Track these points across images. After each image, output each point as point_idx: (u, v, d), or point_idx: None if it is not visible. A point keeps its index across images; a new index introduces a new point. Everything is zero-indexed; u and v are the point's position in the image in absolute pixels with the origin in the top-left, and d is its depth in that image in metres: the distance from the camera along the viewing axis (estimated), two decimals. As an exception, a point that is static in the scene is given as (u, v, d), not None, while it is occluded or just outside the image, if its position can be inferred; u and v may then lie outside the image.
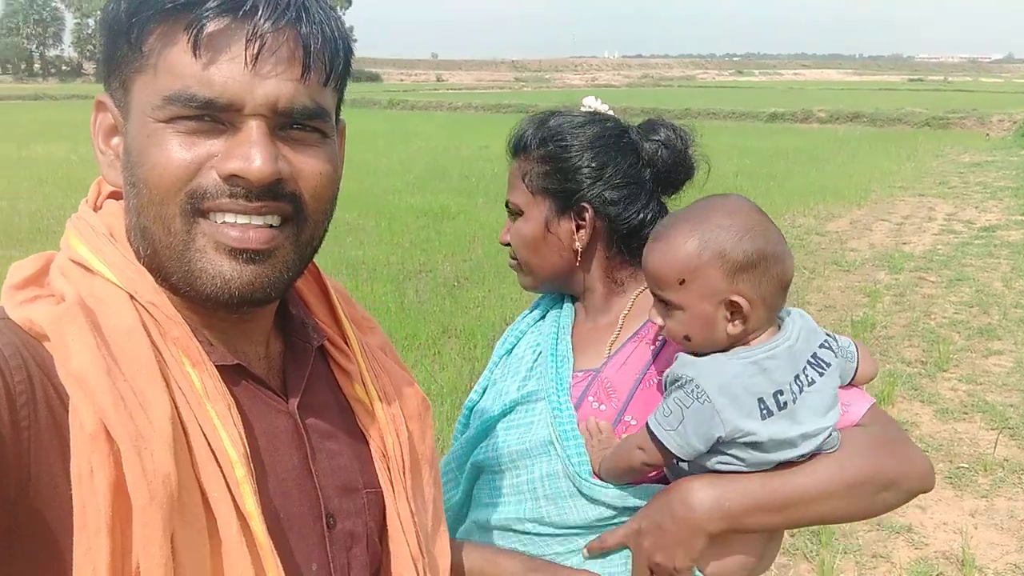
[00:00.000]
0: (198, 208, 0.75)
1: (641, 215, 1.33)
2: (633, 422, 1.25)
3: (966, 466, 4.12)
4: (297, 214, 0.80)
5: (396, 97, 42.25)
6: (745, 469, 1.14)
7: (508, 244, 1.39)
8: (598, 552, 1.24)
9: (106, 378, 0.68)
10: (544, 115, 1.38)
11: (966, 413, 4.76)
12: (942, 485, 3.95)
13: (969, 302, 6.98)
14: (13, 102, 43.52)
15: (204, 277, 0.77)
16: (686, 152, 1.36)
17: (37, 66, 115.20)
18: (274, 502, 0.81)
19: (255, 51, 0.73)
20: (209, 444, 0.74)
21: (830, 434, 1.16)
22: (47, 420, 0.69)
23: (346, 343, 0.96)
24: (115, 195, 0.86)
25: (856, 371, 1.23)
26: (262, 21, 0.73)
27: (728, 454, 1.13)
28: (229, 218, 0.76)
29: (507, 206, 1.38)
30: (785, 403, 1.12)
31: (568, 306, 1.41)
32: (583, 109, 1.41)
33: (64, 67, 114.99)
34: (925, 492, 1.21)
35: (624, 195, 1.32)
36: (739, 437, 1.10)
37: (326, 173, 0.81)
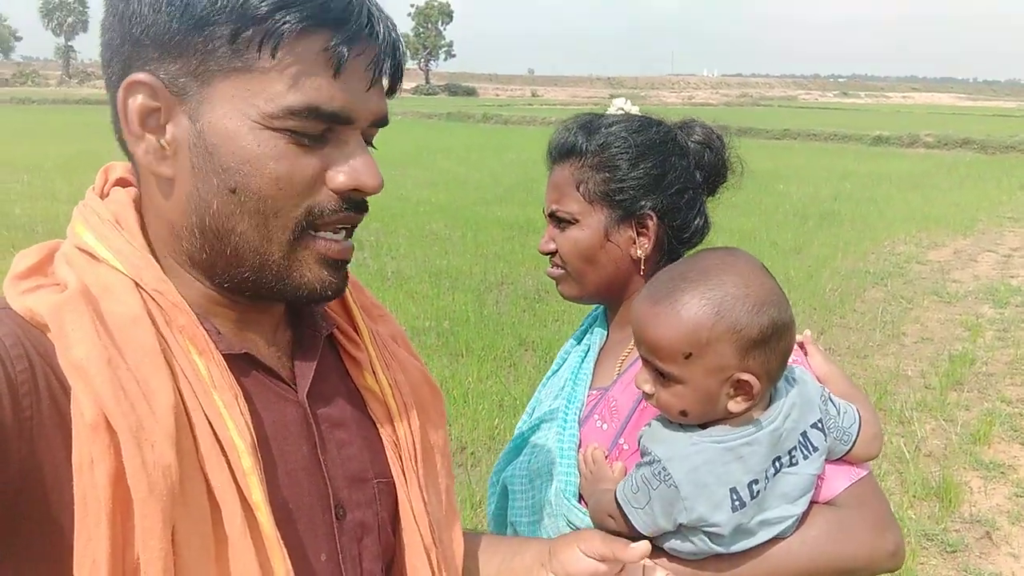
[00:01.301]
0: (313, 224, 0.78)
1: (697, 220, 1.30)
2: (626, 446, 1.20)
3: (1068, 516, 3.84)
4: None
5: (490, 111, 42.72)
6: (694, 556, 1.06)
7: (551, 254, 1.33)
8: None
9: (107, 368, 0.67)
10: (590, 118, 1.34)
11: (1071, 459, 4.45)
12: (1040, 534, 3.70)
13: (1081, 341, 6.54)
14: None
15: (303, 283, 0.80)
16: (725, 151, 1.32)
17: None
18: (283, 493, 0.80)
19: (374, 73, 0.77)
20: (215, 434, 0.73)
21: (793, 521, 1.07)
22: (50, 410, 0.68)
23: (356, 332, 0.95)
24: (121, 182, 0.85)
25: (849, 451, 1.12)
26: (384, 45, 0.77)
27: (683, 538, 1.05)
28: (331, 233, 0.80)
29: (552, 215, 1.32)
30: (758, 492, 1.02)
31: (601, 327, 1.39)
32: (611, 111, 1.37)
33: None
34: (891, 572, 1.11)
35: (684, 201, 1.29)
36: (702, 526, 1.02)
37: None
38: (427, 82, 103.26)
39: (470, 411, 4.71)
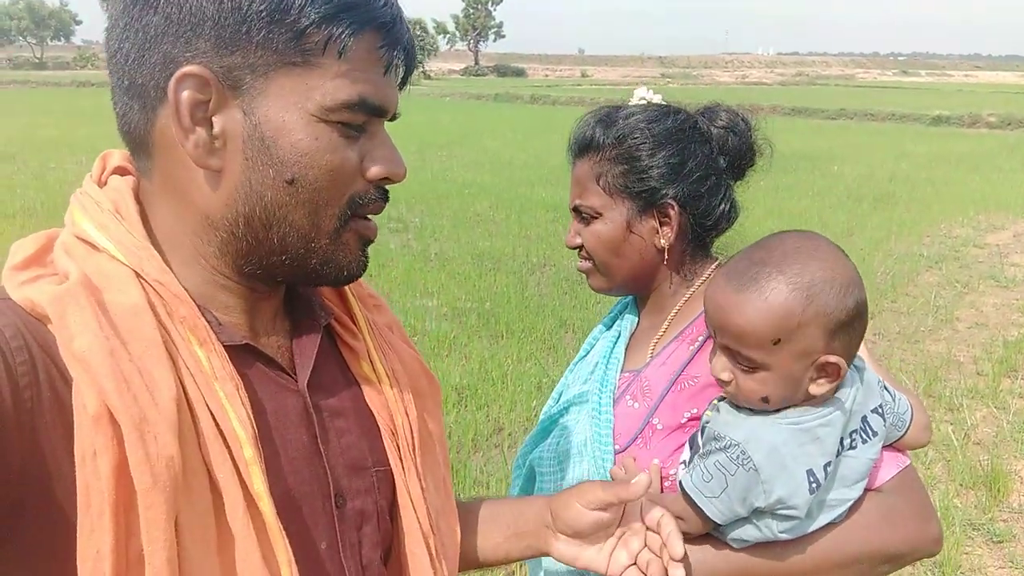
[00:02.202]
0: (356, 212, 0.82)
1: (722, 206, 1.29)
2: (659, 426, 1.20)
3: (1124, 509, 3.70)
4: None
5: (539, 92, 42.52)
6: (753, 543, 1.05)
7: (577, 248, 1.33)
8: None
9: (109, 359, 0.67)
10: (608, 111, 1.32)
11: None
12: (1093, 527, 3.58)
13: None
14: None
15: (344, 263, 0.84)
16: (751, 135, 1.30)
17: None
18: (284, 482, 0.80)
19: (402, 67, 0.82)
20: (217, 424, 0.73)
21: (849, 505, 1.06)
22: (50, 401, 0.68)
23: (353, 321, 0.96)
24: (120, 170, 0.84)
25: (902, 437, 1.13)
26: (407, 42, 0.82)
27: (751, 525, 1.03)
28: (370, 216, 0.85)
29: (576, 209, 1.32)
30: (829, 474, 1.01)
31: (632, 314, 1.38)
32: (634, 102, 1.35)
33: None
34: (931, 556, 1.14)
35: (706, 188, 1.27)
36: (778, 509, 1.00)
37: None
38: (476, 63, 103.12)
39: (508, 393, 4.72)
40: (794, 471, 0.99)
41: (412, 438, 0.94)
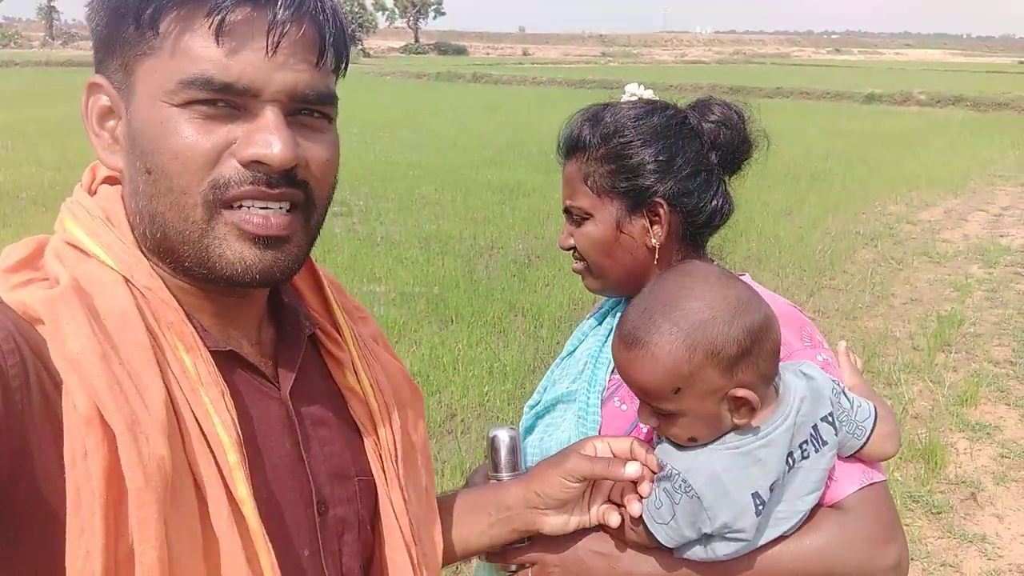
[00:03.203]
0: (221, 198, 0.76)
1: (714, 202, 1.26)
2: (645, 429, 1.19)
3: (1051, 476, 3.89)
4: (307, 200, 0.80)
5: (481, 71, 42.27)
6: (712, 559, 1.04)
7: (570, 249, 1.31)
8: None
9: (101, 362, 0.68)
10: (596, 109, 1.30)
11: (1056, 419, 4.49)
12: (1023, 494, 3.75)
13: (1069, 301, 6.58)
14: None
15: (223, 262, 0.77)
16: (745, 129, 1.27)
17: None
18: (267, 488, 0.80)
19: (276, 39, 0.74)
20: (202, 430, 0.74)
21: (800, 518, 1.04)
22: (40, 404, 0.68)
23: (338, 332, 0.96)
24: (110, 180, 0.85)
25: (863, 446, 1.08)
26: (282, 10, 0.74)
27: (704, 545, 1.04)
28: (249, 205, 0.77)
29: (567, 211, 1.30)
30: (775, 488, 1.01)
31: (623, 310, 1.37)
32: (626, 98, 1.33)
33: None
34: None
35: (696, 185, 1.25)
36: (726, 533, 1.01)
37: (332, 160, 0.82)
38: (416, 41, 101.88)
39: (460, 378, 4.72)
40: (737, 496, 0.99)
41: (395, 449, 0.94)
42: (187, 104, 0.74)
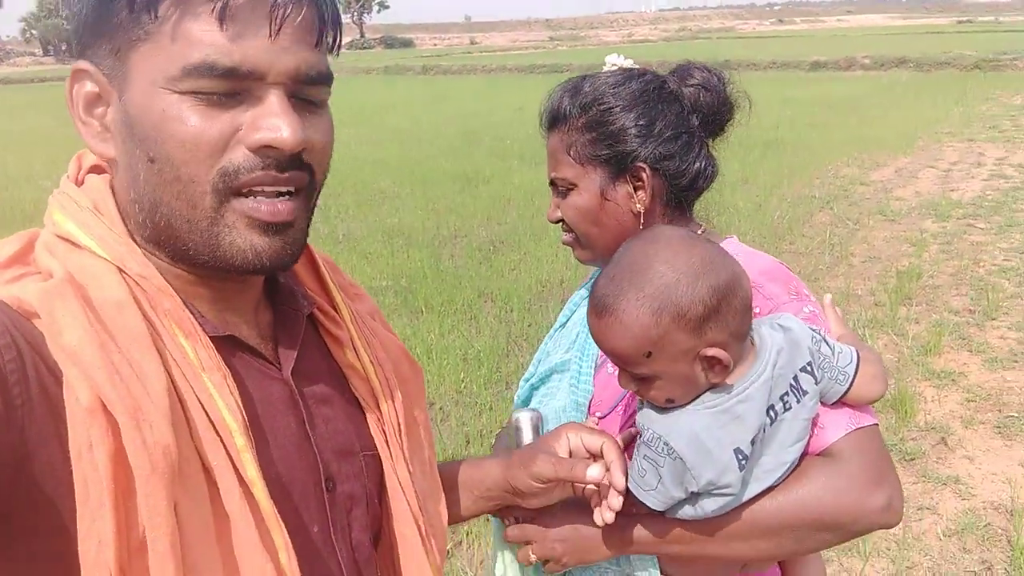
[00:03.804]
0: (231, 186, 0.75)
1: (697, 164, 1.27)
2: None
3: (1015, 415, 4.02)
4: (310, 183, 0.80)
5: (429, 62, 42.02)
6: (702, 515, 1.06)
7: (558, 221, 1.32)
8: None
9: (100, 352, 0.68)
10: (575, 81, 1.31)
11: (1016, 362, 4.63)
12: (991, 435, 3.87)
13: (1019, 248, 6.76)
14: (57, 83, 44.27)
15: (233, 250, 0.77)
16: (726, 91, 1.29)
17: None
18: (275, 469, 0.81)
19: (279, 21, 0.74)
20: (207, 414, 0.74)
21: (787, 469, 1.05)
22: (40, 398, 0.68)
23: (335, 310, 0.96)
24: (96, 169, 0.85)
25: (847, 391, 1.09)
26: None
27: (693, 504, 1.06)
28: (259, 192, 0.76)
29: (552, 183, 1.31)
30: (756, 442, 1.03)
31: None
32: (607, 68, 1.34)
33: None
34: (885, 528, 1.08)
35: (678, 147, 1.26)
36: (712, 490, 1.02)
37: (329, 142, 0.83)
38: (362, 35, 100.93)
39: (435, 367, 4.72)
40: (719, 454, 1.00)
41: (398, 424, 0.95)
42: (190, 91, 0.72)
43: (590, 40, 76.60)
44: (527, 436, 1.23)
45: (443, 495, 1.04)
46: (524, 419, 1.24)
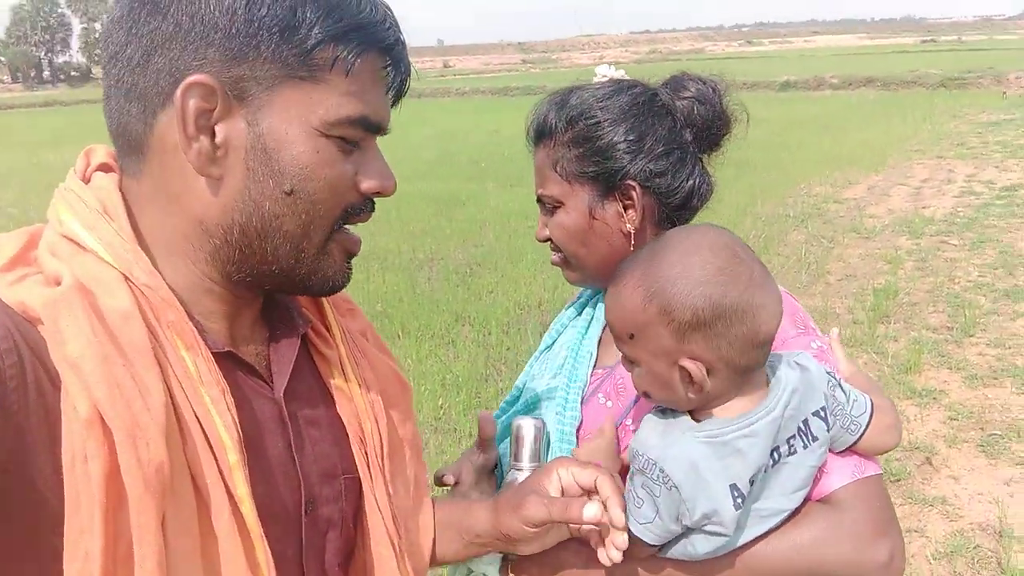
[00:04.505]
0: (344, 220, 0.84)
1: (690, 182, 1.20)
2: (632, 426, 1.14)
3: (999, 433, 4.00)
4: None
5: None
6: (693, 558, 1.01)
7: (547, 240, 1.25)
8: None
9: (101, 365, 0.68)
10: (563, 93, 1.24)
11: (996, 378, 4.63)
12: (975, 454, 3.85)
13: (993, 264, 6.81)
14: (24, 110, 43.75)
15: (325, 277, 0.85)
16: (721, 104, 1.21)
17: (47, 73, 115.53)
18: (260, 488, 0.80)
19: (397, 88, 0.86)
20: (203, 429, 0.74)
21: (785, 517, 1.00)
22: (36, 404, 0.67)
23: (327, 329, 0.96)
24: (104, 167, 0.83)
25: (857, 441, 1.04)
26: (406, 64, 0.85)
27: (685, 541, 1.00)
28: (350, 228, 0.86)
29: (539, 200, 1.24)
30: (755, 482, 0.97)
31: (602, 303, 1.30)
32: (596, 79, 1.28)
33: (73, 73, 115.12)
34: None
35: (670, 164, 1.18)
36: (706, 525, 0.96)
37: None
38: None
39: (413, 393, 4.63)
40: (715, 487, 0.94)
41: (381, 447, 0.95)
42: (338, 137, 0.80)
43: (563, 62, 77.30)
44: (527, 448, 1.15)
45: (429, 508, 1.03)
46: (526, 427, 1.15)
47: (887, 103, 21.31)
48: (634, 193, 1.17)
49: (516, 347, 5.29)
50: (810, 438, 0.99)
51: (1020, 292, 6.00)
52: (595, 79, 1.29)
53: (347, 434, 0.93)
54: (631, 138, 1.17)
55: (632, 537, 0.98)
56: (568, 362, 1.27)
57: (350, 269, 0.88)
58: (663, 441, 0.98)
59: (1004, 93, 23.04)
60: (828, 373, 1.04)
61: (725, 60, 59.27)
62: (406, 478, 0.99)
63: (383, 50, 0.82)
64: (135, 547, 0.67)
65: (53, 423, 0.67)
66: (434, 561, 1.09)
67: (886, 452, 1.07)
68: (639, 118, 1.18)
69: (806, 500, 1.02)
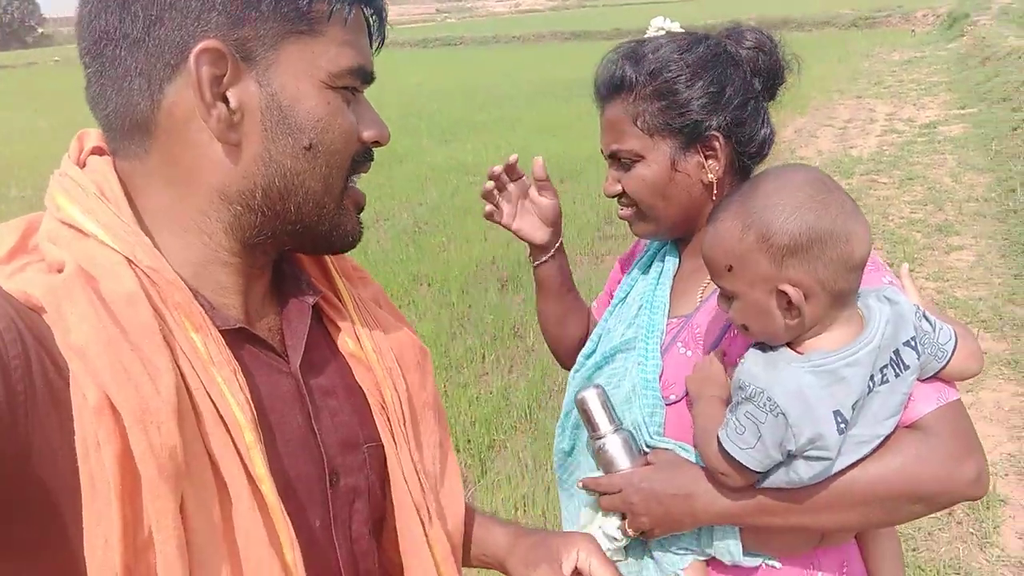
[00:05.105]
0: (352, 172, 0.85)
1: (763, 130, 1.25)
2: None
3: (946, 362, 4.22)
4: None
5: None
6: (791, 486, 1.06)
7: (618, 196, 1.27)
8: (592, 488, 1.22)
9: (108, 350, 0.67)
10: (632, 47, 1.26)
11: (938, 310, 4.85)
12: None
13: (923, 200, 7.10)
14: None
15: (344, 231, 0.86)
16: (779, 53, 1.27)
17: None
18: (281, 464, 0.81)
19: (382, 34, 0.87)
20: (217, 410, 0.74)
21: (879, 442, 1.05)
22: (44, 393, 0.67)
23: (338, 298, 0.96)
24: (98, 150, 0.82)
25: (944, 367, 1.09)
26: (384, 12, 0.87)
27: (785, 468, 1.05)
28: (355, 181, 0.87)
29: (613, 156, 1.26)
30: (860, 409, 1.03)
31: (672, 255, 1.34)
32: (652, 33, 1.29)
33: None
34: (972, 500, 1.08)
35: (748, 114, 1.23)
36: (809, 450, 1.02)
37: None
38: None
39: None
40: (820, 412, 0.99)
41: (403, 412, 0.94)
42: (343, 88, 0.81)
43: (478, 11, 76.10)
44: (598, 415, 1.20)
45: (456, 474, 1.02)
46: (591, 398, 1.21)
47: (804, 44, 21.19)
48: (717, 144, 1.21)
49: (477, 304, 5.31)
50: (902, 367, 1.05)
51: (951, 226, 6.29)
52: (650, 32, 1.30)
53: (367, 403, 0.93)
54: (713, 90, 1.21)
55: (734, 465, 1.05)
56: (643, 313, 1.30)
57: (360, 223, 0.89)
58: (768, 372, 1.03)
59: (913, 31, 23.81)
60: (914, 305, 1.10)
61: (644, 6, 59.36)
62: (432, 443, 0.99)
63: (369, 1, 0.83)
64: (154, 532, 0.67)
65: (63, 412, 0.67)
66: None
67: (971, 377, 1.13)
68: (717, 69, 1.22)
69: (896, 426, 1.08)
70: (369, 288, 1.03)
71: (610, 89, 1.25)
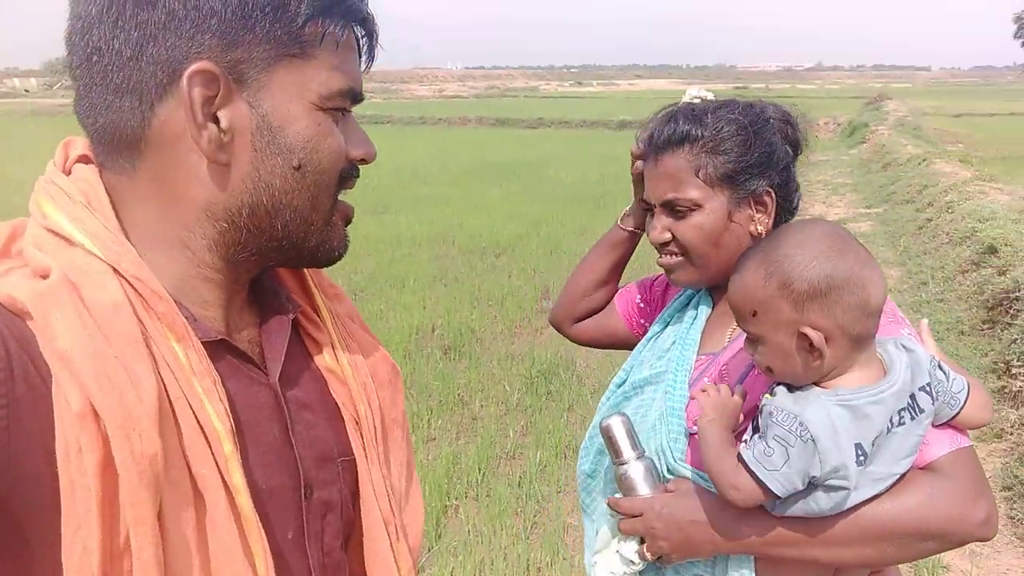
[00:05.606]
0: (339, 189, 0.86)
1: (798, 191, 1.40)
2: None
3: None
4: None
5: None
6: (813, 512, 1.11)
7: (665, 243, 1.35)
8: (614, 508, 1.28)
9: (93, 358, 0.68)
10: (686, 108, 1.37)
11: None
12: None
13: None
14: None
15: (331, 246, 0.88)
16: (798, 128, 1.40)
17: None
18: (256, 475, 0.82)
19: (372, 55, 0.88)
20: (197, 419, 0.74)
21: (894, 481, 1.12)
22: (26, 398, 0.67)
23: (316, 312, 0.98)
24: (84, 159, 0.83)
25: (956, 415, 1.17)
26: (375, 35, 0.87)
27: (804, 498, 1.10)
28: (342, 196, 0.88)
29: (666, 204, 1.34)
30: (877, 447, 1.09)
31: (705, 303, 1.43)
32: (687, 99, 1.42)
33: None
34: (981, 540, 1.15)
35: (790, 175, 1.37)
36: (831, 478, 1.07)
37: None
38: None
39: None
40: (844, 444, 1.06)
41: (375, 427, 0.96)
42: (332, 109, 0.82)
43: (402, 93, 77.48)
44: (622, 442, 1.26)
45: (418, 490, 1.06)
46: (616, 425, 1.27)
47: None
48: (768, 199, 1.32)
49: (420, 370, 5.28)
50: (917, 410, 1.11)
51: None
52: (685, 98, 1.43)
53: (341, 417, 0.94)
54: (766, 151, 1.33)
55: (749, 484, 1.09)
56: (675, 348, 1.38)
57: (348, 238, 0.91)
58: (800, 402, 1.09)
59: (816, 136, 25.43)
60: (930, 354, 1.18)
61: (560, 99, 61.67)
62: (399, 460, 1.01)
63: (360, 22, 0.85)
64: (131, 538, 0.67)
65: (45, 417, 0.67)
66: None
67: (981, 426, 1.22)
68: (767, 133, 1.35)
69: (911, 467, 1.15)
70: (344, 304, 1.04)
71: (670, 142, 1.34)
